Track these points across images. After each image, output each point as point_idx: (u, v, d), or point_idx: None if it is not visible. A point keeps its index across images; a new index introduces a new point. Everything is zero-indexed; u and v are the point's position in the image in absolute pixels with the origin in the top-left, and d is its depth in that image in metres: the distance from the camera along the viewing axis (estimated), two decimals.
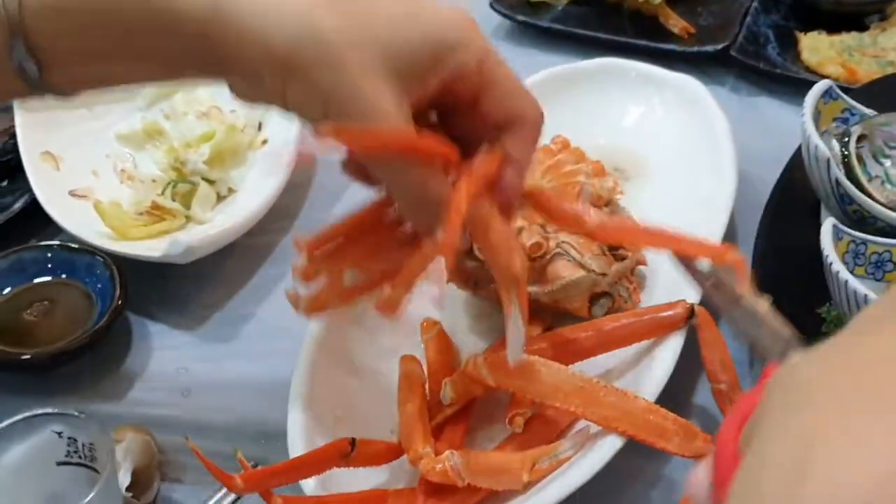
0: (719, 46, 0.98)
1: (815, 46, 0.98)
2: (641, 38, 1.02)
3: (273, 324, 0.79)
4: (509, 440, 0.64)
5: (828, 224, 0.65)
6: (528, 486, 0.60)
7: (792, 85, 0.94)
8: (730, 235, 0.81)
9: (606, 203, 0.75)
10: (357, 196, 0.88)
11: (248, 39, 0.48)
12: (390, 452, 0.64)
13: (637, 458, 0.63)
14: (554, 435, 0.64)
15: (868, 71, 0.94)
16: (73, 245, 0.80)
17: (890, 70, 0.93)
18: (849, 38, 1.00)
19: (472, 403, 0.66)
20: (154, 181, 0.85)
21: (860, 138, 0.74)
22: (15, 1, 0.49)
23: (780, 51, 0.99)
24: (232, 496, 0.65)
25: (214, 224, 0.81)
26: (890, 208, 0.71)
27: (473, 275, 0.71)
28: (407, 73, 0.50)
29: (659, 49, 1.00)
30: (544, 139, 0.58)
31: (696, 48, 0.99)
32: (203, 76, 0.54)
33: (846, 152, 0.73)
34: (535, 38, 1.07)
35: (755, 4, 1.04)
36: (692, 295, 0.66)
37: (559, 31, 1.04)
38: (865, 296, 0.60)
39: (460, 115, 0.55)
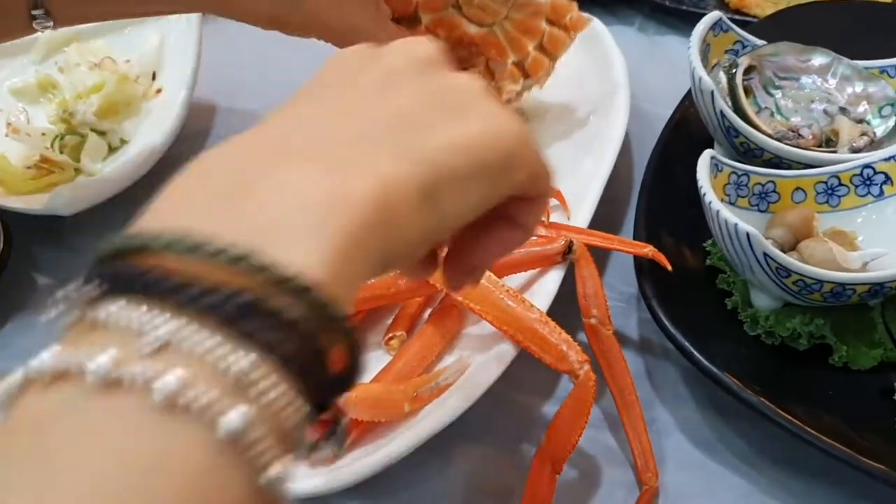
0: None
1: None
2: None
3: None
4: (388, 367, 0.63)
5: (705, 156, 0.64)
6: (409, 415, 0.59)
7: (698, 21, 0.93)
8: (624, 173, 0.80)
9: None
10: None
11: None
12: None
13: (511, 391, 0.62)
14: (429, 359, 0.63)
15: None
16: None
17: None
18: None
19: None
20: (44, 134, 0.83)
21: (749, 70, 0.74)
22: None
23: None
24: None
25: (101, 175, 0.79)
26: (777, 139, 0.70)
27: None
28: None
29: None
30: None
31: None
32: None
33: (733, 84, 0.71)
34: None
35: None
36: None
37: None
38: (736, 225, 0.59)
39: None
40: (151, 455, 0.25)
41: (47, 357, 0.27)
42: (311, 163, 0.31)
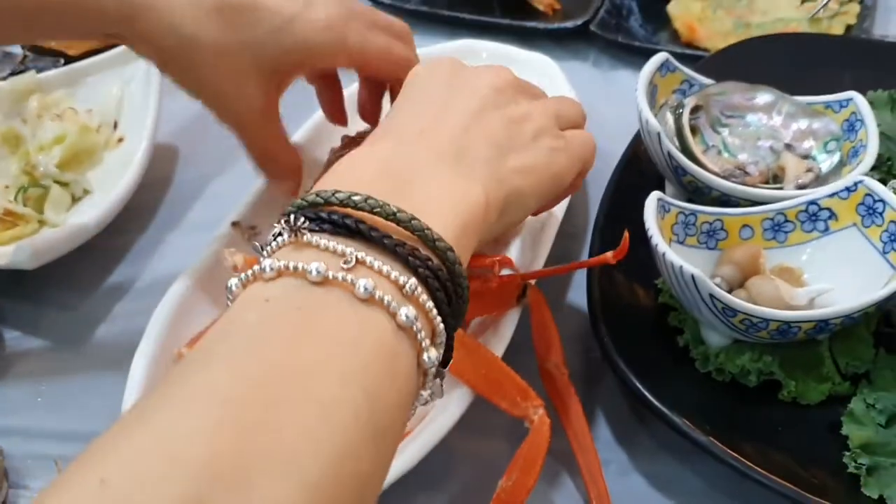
0: (579, 22, 0.98)
1: (683, 0, 0.99)
2: (506, 17, 1.02)
3: (126, 325, 0.78)
4: None
5: (652, 198, 0.65)
6: None
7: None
8: (581, 208, 0.82)
9: None
10: (218, 191, 0.89)
11: (147, 34, 0.64)
12: None
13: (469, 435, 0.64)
14: None
15: (718, 31, 0.95)
16: None
17: (742, 31, 0.93)
18: None
19: None
20: (7, 187, 0.84)
21: (697, 109, 0.75)
22: None
23: (643, 22, 1.00)
24: None
25: (64, 227, 0.80)
26: (724, 177, 0.71)
27: None
28: (275, 72, 0.66)
29: (523, 27, 1.00)
30: None
31: (556, 25, 0.99)
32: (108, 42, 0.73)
33: (680, 124, 0.73)
34: (405, 20, 1.06)
35: None
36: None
37: (425, 13, 1.04)
38: (681, 267, 0.60)
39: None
40: (356, 332, 0.38)
41: (268, 262, 0.39)
42: (446, 167, 0.48)
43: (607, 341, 0.65)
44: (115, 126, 0.90)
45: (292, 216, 0.42)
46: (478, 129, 0.51)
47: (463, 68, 0.57)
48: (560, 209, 0.74)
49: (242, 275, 0.41)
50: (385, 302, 0.39)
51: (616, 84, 0.96)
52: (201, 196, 0.88)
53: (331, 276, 0.38)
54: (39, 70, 0.95)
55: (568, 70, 0.92)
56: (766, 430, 0.62)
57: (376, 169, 0.46)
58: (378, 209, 0.41)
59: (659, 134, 0.70)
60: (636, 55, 0.96)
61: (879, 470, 0.58)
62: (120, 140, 0.89)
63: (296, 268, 0.39)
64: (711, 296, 0.60)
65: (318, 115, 0.82)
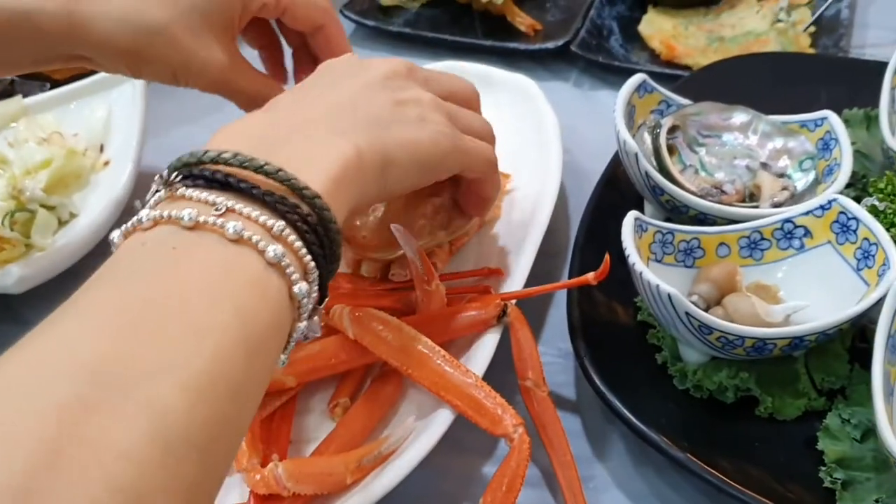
0: (560, 43, 0.99)
1: (653, 19, 1.01)
2: (489, 39, 1.04)
3: None
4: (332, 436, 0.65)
5: (629, 217, 0.66)
6: (352, 486, 0.61)
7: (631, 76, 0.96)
8: (562, 226, 0.83)
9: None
10: None
11: (100, 41, 0.65)
12: None
13: (451, 453, 0.64)
14: (370, 427, 0.65)
15: (694, 46, 0.96)
16: None
17: (717, 45, 0.95)
18: (689, 14, 1.02)
19: (293, 401, 0.68)
20: None
21: (674, 129, 0.76)
22: None
23: (623, 42, 1.02)
24: None
25: (51, 251, 0.81)
26: (701, 196, 0.73)
27: None
28: (222, 24, 0.68)
29: (505, 48, 1.02)
30: None
31: (537, 46, 1.01)
32: (70, 66, 0.69)
33: (657, 144, 0.74)
34: (388, 41, 1.08)
35: None
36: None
37: (409, 34, 1.06)
38: (658, 286, 0.61)
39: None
40: (227, 265, 0.42)
41: (144, 213, 0.44)
42: (321, 130, 0.52)
43: (586, 359, 0.66)
44: (102, 149, 0.91)
45: (167, 173, 0.47)
46: (360, 103, 0.56)
47: (362, 61, 0.62)
48: (540, 228, 0.75)
49: (123, 227, 0.45)
50: (254, 241, 0.43)
51: (597, 103, 0.97)
52: None
53: (202, 221, 0.43)
54: (25, 94, 0.96)
55: (549, 90, 0.94)
56: (744, 446, 0.63)
57: (249, 134, 0.50)
58: (246, 164, 0.45)
59: (636, 154, 0.71)
60: (617, 74, 0.98)
61: (854, 484, 0.59)
62: (106, 163, 0.89)
63: (170, 216, 0.43)
64: (688, 314, 0.61)
65: None
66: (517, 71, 0.96)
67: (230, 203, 0.44)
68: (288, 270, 0.44)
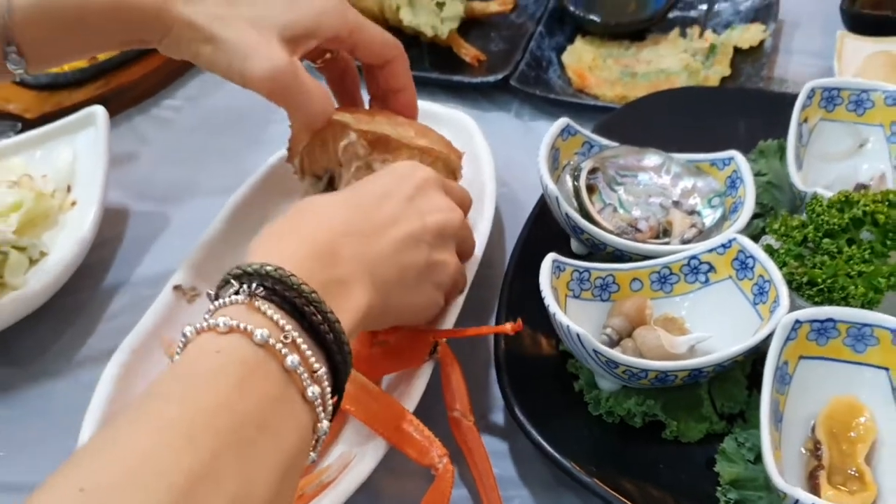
0: (500, 76, 1.05)
1: (577, 49, 1.07)
2: (435, 71, 1.09)
3: (84, 380, 0.84)
4: None
5: (547, 260, 0.73)
6: None
7: (568, 108, 1.02)
8: (497, 257, 0.89)
9: None
10: (168, 251, 0.96)
11: (183, 23, 0.73)
12: None
13: (386, 476, 0.71)
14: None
15: (606, 79, 1.03)
16: None
17: (627, 80, 1.01)
18: (613, 46, 1.08)
19: None
20: None
21: (595, 170, 0.83)
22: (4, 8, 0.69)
23: (561, 73, 1.07)
24: None
25: (24, 291, 0.87)
26: (617, 234, 0.79)
27: None
28: (292, 39, 0.75)
29: (449, 81, 1.07)
30: None
31: (479, 79, 1.06)
32: (138, 47, 0.76)
33: (577, 186, 0.81)
34: None
35: (540, 29, 1.11)
36: None
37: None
38: (568, 326, 0.68)
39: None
40: (279, 389, 0.51)
41: (223, 319, 0.51)
42: (365, 281, 0.62)
43: (508, 388, 0.73)
44: (69, 189, 0.96)
45: (253, 283, 0.54)
46: (398, 259, 0.66)
47: (425, 193, 0.72)
48: (473, 264, 0.81)
49: (196, 324, 0.52)
50: (301, 377, 0.51)
51: (536, 134, 1.02)
52: (151, 250, 0.95)
53: (271, 343, 0.50)
54: None
55: (492, 120, 1.00)
56: (650, 468, 0.69)
57: (315, 252, 0.60)
58: (318, 304, 0.55)
59: (557, 198, 0.78)
60: (554, 106, 1.04)
61: (747, 503, 0.66)
62: (73, 203, 0.95)
63: (246, 328, 0.50)
64: (595, 351, 0.67)
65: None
66: (462, 101, 1.02)
67: (295, 335, 0.52)
68: (316, 403, 0.52)
